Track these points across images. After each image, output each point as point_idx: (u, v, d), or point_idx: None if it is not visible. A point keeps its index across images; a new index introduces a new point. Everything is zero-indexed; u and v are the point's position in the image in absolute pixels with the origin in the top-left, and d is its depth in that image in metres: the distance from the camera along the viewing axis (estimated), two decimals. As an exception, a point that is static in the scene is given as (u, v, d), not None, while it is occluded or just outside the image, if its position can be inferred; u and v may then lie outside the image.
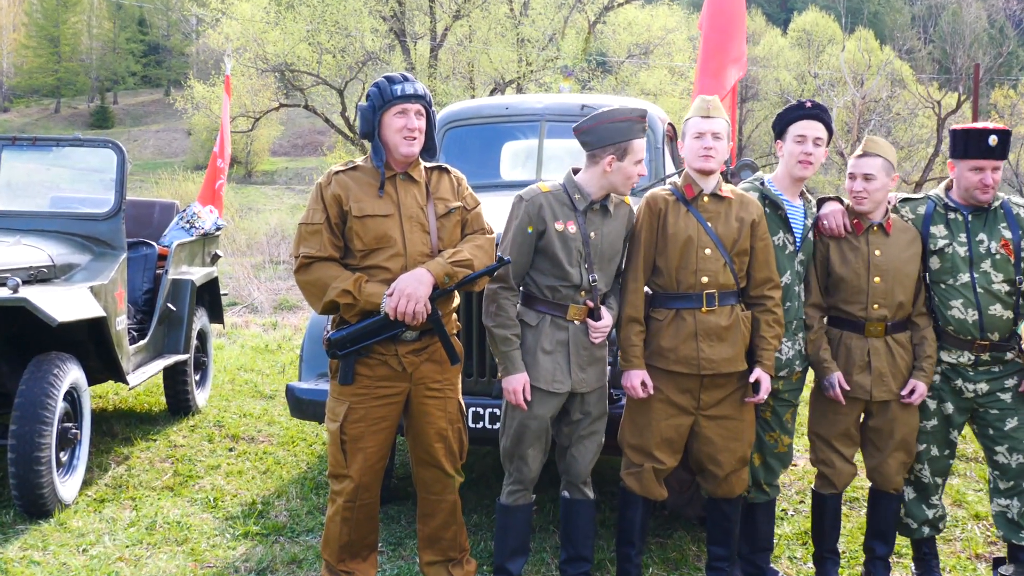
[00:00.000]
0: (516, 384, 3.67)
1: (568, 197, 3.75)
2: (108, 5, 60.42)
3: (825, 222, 4.07)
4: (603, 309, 3.80)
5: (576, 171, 3.82)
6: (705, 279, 3.78)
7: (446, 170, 3.72)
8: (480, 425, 4.34)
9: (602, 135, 3.68)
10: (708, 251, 3.80)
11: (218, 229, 7.40)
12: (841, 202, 4.18)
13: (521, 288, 3.79)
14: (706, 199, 3.86)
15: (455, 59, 28.04)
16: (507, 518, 3.90)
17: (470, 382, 4.49)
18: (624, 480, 3.99)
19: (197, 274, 6.89)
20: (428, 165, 3.69)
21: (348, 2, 26.42)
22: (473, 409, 4.34)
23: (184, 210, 7.20)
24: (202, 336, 7.19)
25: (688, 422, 3.89)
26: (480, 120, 6.02)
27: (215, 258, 7.50)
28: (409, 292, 3.37)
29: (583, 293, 3.73)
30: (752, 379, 3.84)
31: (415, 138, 3.51)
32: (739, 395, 3.88)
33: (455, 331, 3.74)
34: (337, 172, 3.57)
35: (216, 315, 7.52)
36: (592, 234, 3.74)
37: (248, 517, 4.88)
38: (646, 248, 3.87)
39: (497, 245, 3.75)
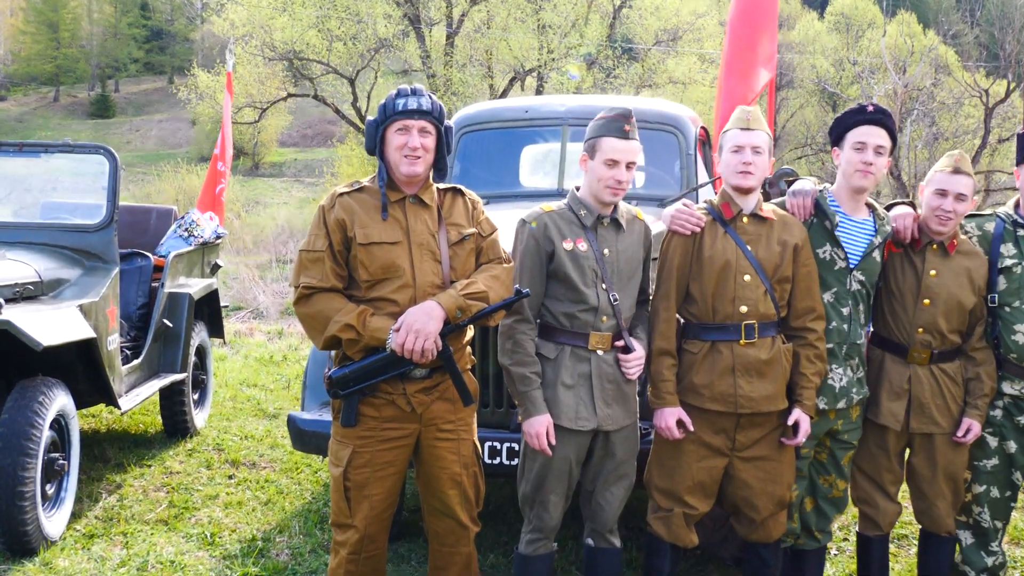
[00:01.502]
0: (539, 427, 3.52)
1: (574, 214, 3.63)
2: (109, -11, 60.65)
3: (895, 224, 3.92)
4: (632, 340, 3.66)
5: (579, 188, 3.72)
6: (744, 308, 3.63)
7: (460, 192, 3.58)
8: (497, 461, 4.20)
9: (586, 136, 3.65)
10: (748, 277, 3.64)
11: (218, 238, 7.28)
12: (913, 207, 4.04)
13: (537, 320, 3.65)
14: (746, 220, 3.71)
15: (472, 46, 27.88)
16: (526, 569, 3.76)
17: (486, 413, 4.35)
18: (651, 525, 3.84)
19: (195, 286, 6.77)
20: (441, 187, 3.54)
21: (360, -14, 26.37)
22: (489, 444, 4.20)
23: (182, 217, 7.09)
24: (201, 352, 7.07)
25: (722, 464, 3.74)
26: (498, 124, 5.87)
27: (215, 268, 7.39)
28: (418, 328, 3.23)
29: (604, 318, 3.59)
30: (791, 421, 3.69)
31: (418, 157, 3.35)
32: (777, 434, 3.73)
33: (469, 366, 3.59)
34: (342, 194, 3.43)
35: (216, 329, 7.41)
36: (606, 251, 3.61)
37: (247, 556, 4.75)
38: (679, 272, 3.72)
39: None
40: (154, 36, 64.34)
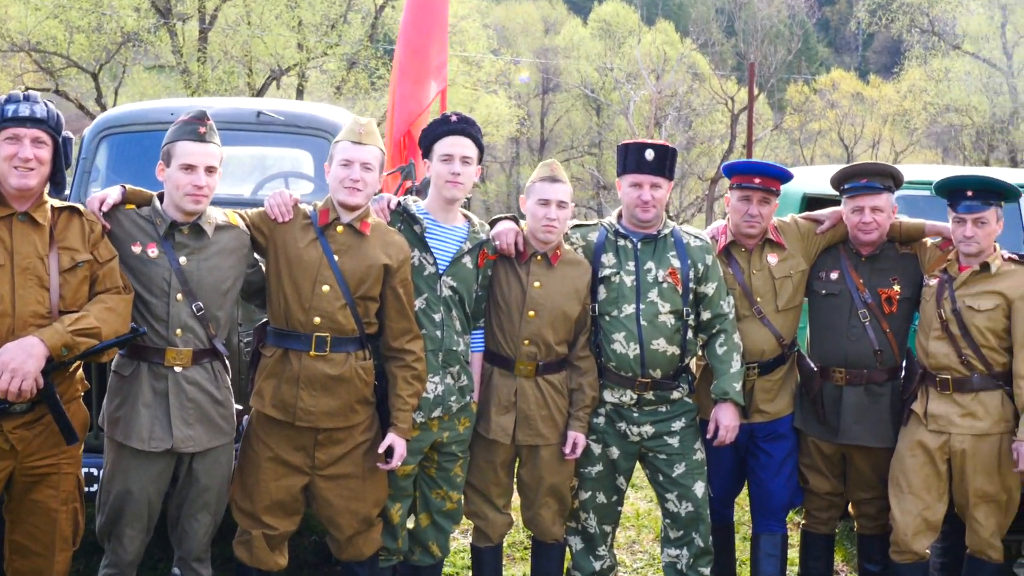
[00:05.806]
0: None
1: (150, 222, 3.41)
2: None
3: (497, 242, 3.91)
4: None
5: (162, 198, 3.50)
6: (318, 319, 3.50)
7: (78, 212, 3.28)
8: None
9: (163, 142, 3.45)
10: (327, 288, 3.52)
11: None
12: (516, 222, 4.04)
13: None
14: (340, 229, 3.58)
15: (228, 43, 26.96)
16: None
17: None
18: (235, 550, 3.68)
19: None
20: (57, 205, 3.24)
21: (104, -24, 25.05)
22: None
23: None
24: None
25: (301, 482, 3.62)
26: (141, 126, 5.55)
27: None
28: (14, 367, 2.94)
29: (179, 331, 3.37)
30: (383, 448, 3.61)
31: (31, 169, 3.08)
32: (360, 451, 3.64)
33: (81, 392, 3.33)
34: None
35: None
36: (183, 259, 3.39)
37: None
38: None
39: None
40: None
